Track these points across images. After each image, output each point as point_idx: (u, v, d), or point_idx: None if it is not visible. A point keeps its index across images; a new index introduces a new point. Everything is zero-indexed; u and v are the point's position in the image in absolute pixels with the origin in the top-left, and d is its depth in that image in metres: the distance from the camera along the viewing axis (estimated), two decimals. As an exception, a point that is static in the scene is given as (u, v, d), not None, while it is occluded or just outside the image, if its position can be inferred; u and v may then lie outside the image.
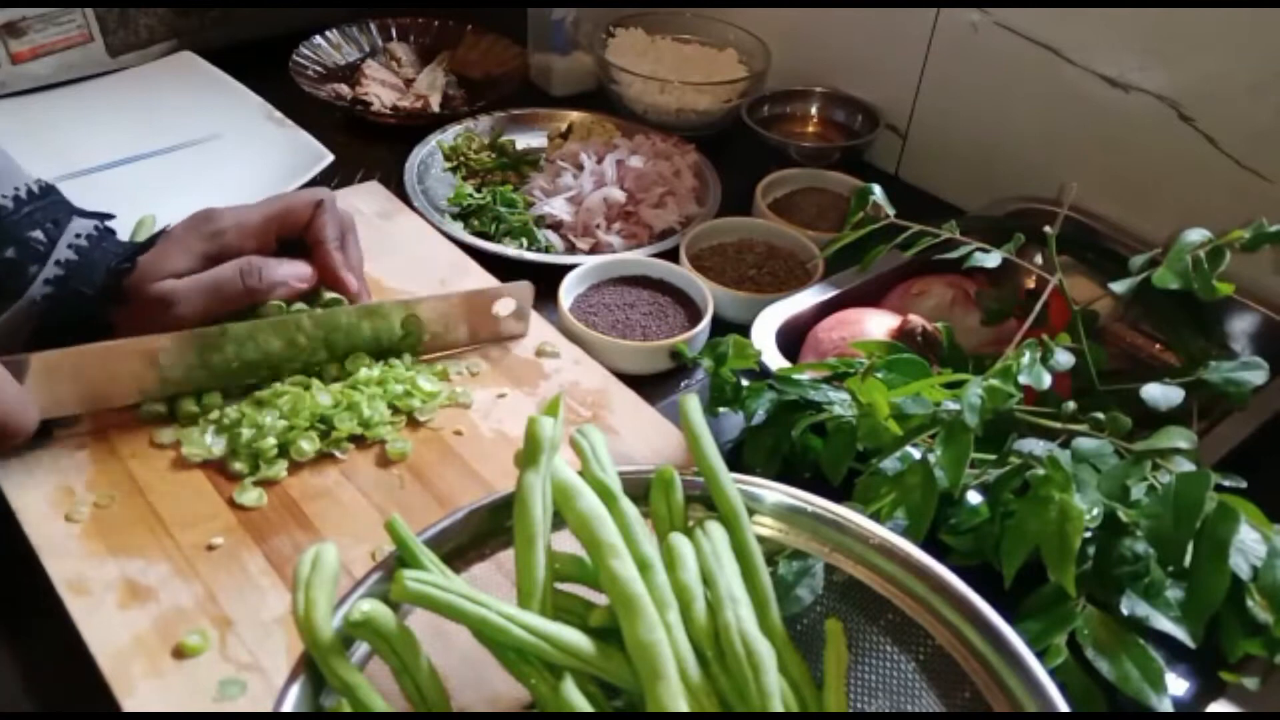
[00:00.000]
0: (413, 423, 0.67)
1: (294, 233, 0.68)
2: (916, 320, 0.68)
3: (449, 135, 1.00)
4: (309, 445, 0.63)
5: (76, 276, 0.62)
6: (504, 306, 0.73)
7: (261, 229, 0.66)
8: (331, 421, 0.64)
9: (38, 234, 0.61)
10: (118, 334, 0.63)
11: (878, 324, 0.69)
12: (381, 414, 0.66)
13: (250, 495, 0.60)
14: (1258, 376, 0.57)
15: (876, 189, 0.67)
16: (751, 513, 0.47)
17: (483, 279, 0.81)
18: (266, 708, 0.49)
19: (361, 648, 0.42)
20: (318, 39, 1.11)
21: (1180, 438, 0.52)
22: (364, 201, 0.87)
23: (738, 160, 0.99)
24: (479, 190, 0.93)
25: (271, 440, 0.62)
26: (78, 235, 0.62)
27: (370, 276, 0.76)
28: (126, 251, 0.64)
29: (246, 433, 0.62)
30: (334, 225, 0.68)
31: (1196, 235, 0.58)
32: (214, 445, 0.63)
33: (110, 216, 0.66)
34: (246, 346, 0.65)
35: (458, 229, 0.88)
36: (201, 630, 0.53)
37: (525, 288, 0.73)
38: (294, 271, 0.66)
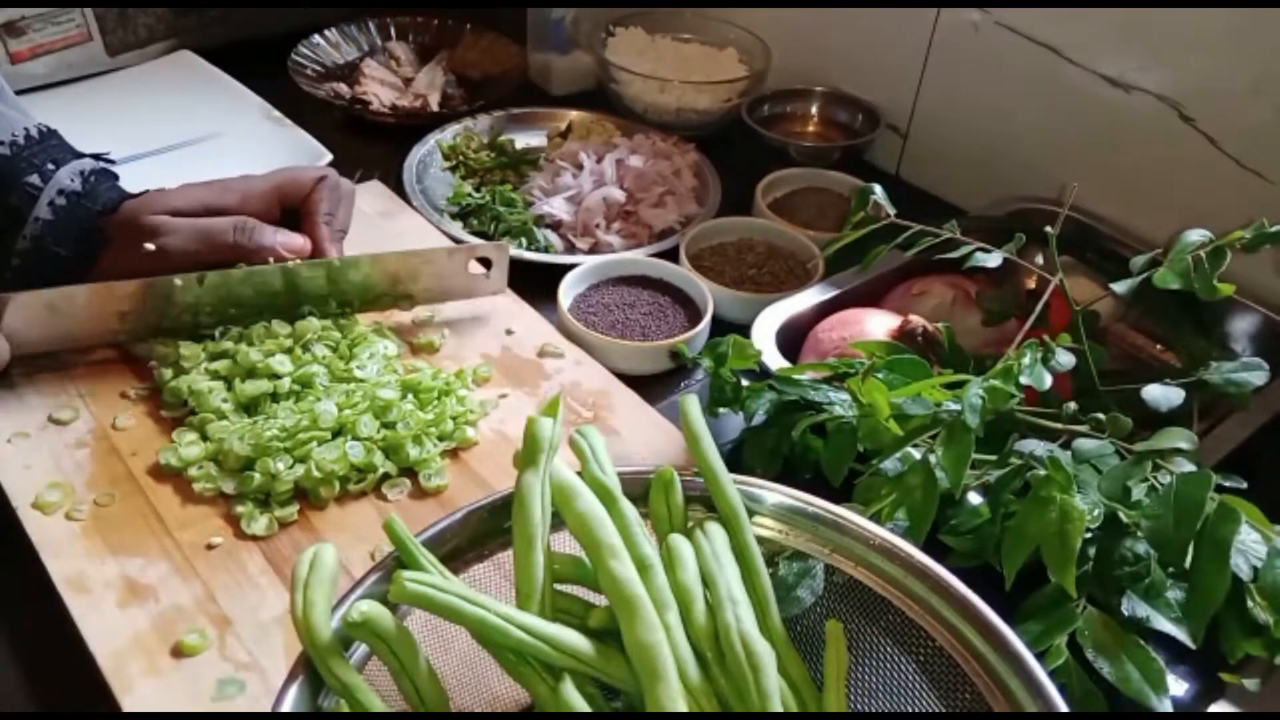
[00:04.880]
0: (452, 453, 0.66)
1: (294, 201, 0.72)
2: (917, 320, 0.68)
3: (448, 134, 1.00)
4: (327, 493, 0.61)
5: (84, 199, 0.65)
6: (477, 265, 0.75)
7: (266, 195, 0.70)
8: (367, 467, 0.62)
9: (34, 178, 0.65)
10: (102, 265, 0.66)
11: (878, 324, 0.69)
12: (430, 451, 0.63)
13: (260, 524, 0.59)
14: (1258, 377, 0.57)
15: (877, 189, 0.67)
16: (751, 513, 0.47)
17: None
18: (265, 707, 0.49)
19: (360, 648, 0.42)
20: (316, 38, 1.11)
21: (1181, 438, 0.52)
22: (365, 201, 0.87)
23: (738, 160, 0.99)
24: (478, 189, 0.93)
25: (288, 485, 0.60)
26: (81, 173, 0.66)
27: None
28: (121, 195, 0.68)
29: (259, 479, 0.60)
30: (330, 201, 0.72)
31: (1197, 235, 0.58)
32: (225, 485, 0.60)
33: (111, 161, 0.71)
34: (210, 291, 0.67)
35: (457, 228, 0.87)
36: (200, 629, 0.53)
37: (502, 248, 0.75)
38: (286, 240, 0.70)
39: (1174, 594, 0.50)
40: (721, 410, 0.65)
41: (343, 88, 1.06)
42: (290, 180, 0.72)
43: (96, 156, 0.70)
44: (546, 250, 0.87)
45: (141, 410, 0.66)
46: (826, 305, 0.74)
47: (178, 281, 0.66)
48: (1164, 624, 0.49)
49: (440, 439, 0.65)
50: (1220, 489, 0.50)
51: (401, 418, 0.64)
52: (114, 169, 0.71)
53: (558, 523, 0.46)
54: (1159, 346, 0.79)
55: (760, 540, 0.47)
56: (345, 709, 0.40)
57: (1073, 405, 0.57)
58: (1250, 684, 0.50)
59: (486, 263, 0.76)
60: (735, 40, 1.11)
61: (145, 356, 0.69)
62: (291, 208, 0.72)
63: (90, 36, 1.02)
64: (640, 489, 0.48)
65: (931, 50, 0.95)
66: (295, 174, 0.72)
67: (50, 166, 0.66)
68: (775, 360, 0.67)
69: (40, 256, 0.65)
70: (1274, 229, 0.57)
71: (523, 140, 1.02)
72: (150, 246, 0.65)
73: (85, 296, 0.65)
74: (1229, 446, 0.62)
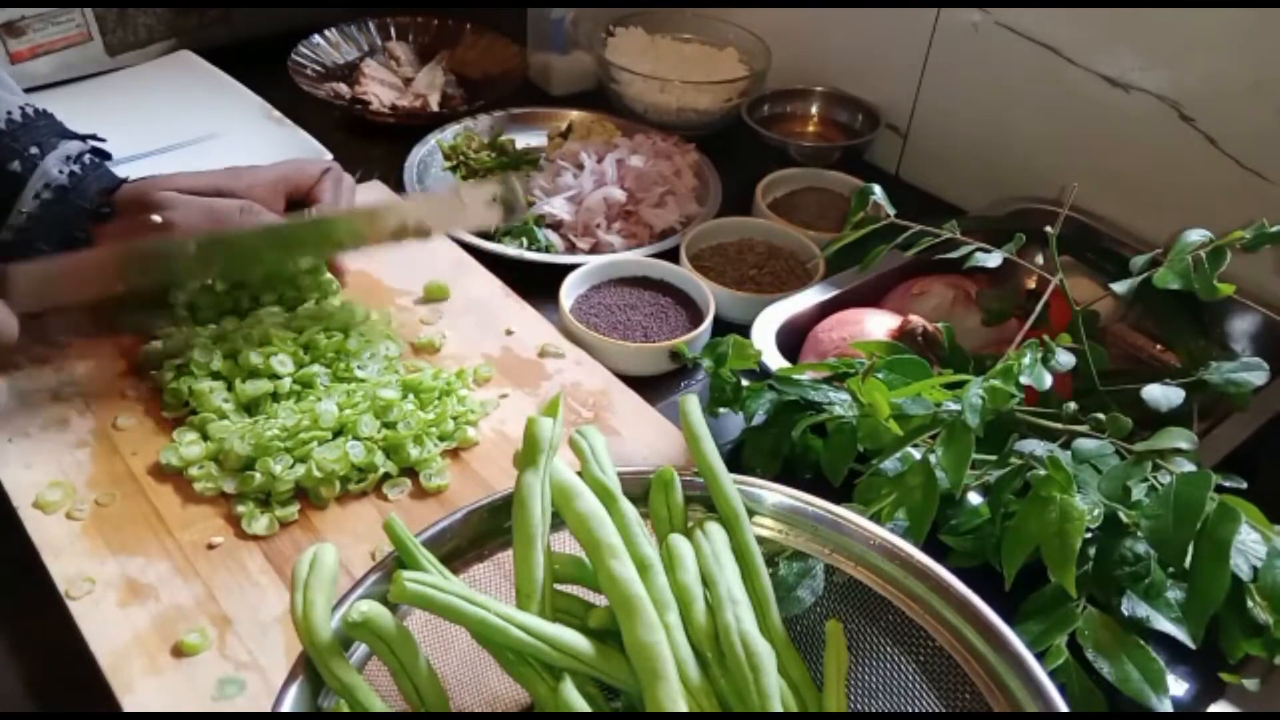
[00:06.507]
0: (453, 453, 0.66)
1: (299, 193, 0.73)
2: (917, 320, 0.68)
3: (448, 134, 1.00)
4: (328, 493, 0.61)
5: (70, 194, 0.65)
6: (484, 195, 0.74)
7: (272, 183, 0.71)
8: (368, 467, 0.62)
9: (15, 165, 0.65)
10: (102, 241, 0.66)
11: (878, 324, 0.69)
12: (431, 451, 0.64)
13: (260, 524, 0.59)
14: (1258, 377, 0.57)
15: (877, 189, 0.67)
16: (751, 514, 0.47)
17: (485, 278, 0.80)
18: (265, 706, 0.49)
19: (360, 648, 0.42)
20: (316, 38, 1.11)
21: (1181, 438, 0.52)
22: (365, 201, 0.87)
23: (738, 160, 0.99)
24: (479, 189, 0.93)
25: (289, 485, 0.60)
26: (68, 158, 0.67)
27: (371, 276, 0.76)
28: (112, 181, 0.68)
29: (259, 478, 0.60)
30: (334, 191, 0.73)
31: (1197, 235, 0.58)
32: (226, 485, 0.60)
33: (102, 140, 0.71)
34: (214, 257, 0.67)
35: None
36: (201, 629, 0.53)
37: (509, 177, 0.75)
38: None
39: (1174, 594, 0.50)
40: (721, 410, 0.65)
41: (343, 88, 1.06)
42: (296, 170, 0.73)
43: (84, 138, 0.70)
44: (547, 250, 0.87)
45: (142, 410, 0.66)
46: (826, 305, 0.74)
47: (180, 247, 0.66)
48: (1164, 624, 0.49)
49: (441, 439, 0.65)
50: (1220, 489, 0.49)
51: (402, 417, 0.64)
52: (104, 148, 0.71)
53: (558, 523, 0.46)
54: (1159, 346, 0.79)
55: (760, 540, 0.47)
56: (345, 709, 0.40)
57: (1073, 405, 0.57)
58: (1250, 684, 0.50)
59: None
60: (735, 40, 1.11)
61: (148, 357, 0.69)
62: (296, 199, 0.73)
63: (90, 36, 1.02)
64: (640, 489, 0.48)
65: (931, 50, 0.95)
66: (300, 164, 0.74)
67: (34, 151, 0.66)
68: (775, 360, 0.67)
69: (24, 250, 0.65)
70: (1274, 229, 0.57)
71: (523, 140, 1.02)
72: (157, 218, 0.66)
73: (86, 263, 0.64)
74: (1229, 446, 0.62)
